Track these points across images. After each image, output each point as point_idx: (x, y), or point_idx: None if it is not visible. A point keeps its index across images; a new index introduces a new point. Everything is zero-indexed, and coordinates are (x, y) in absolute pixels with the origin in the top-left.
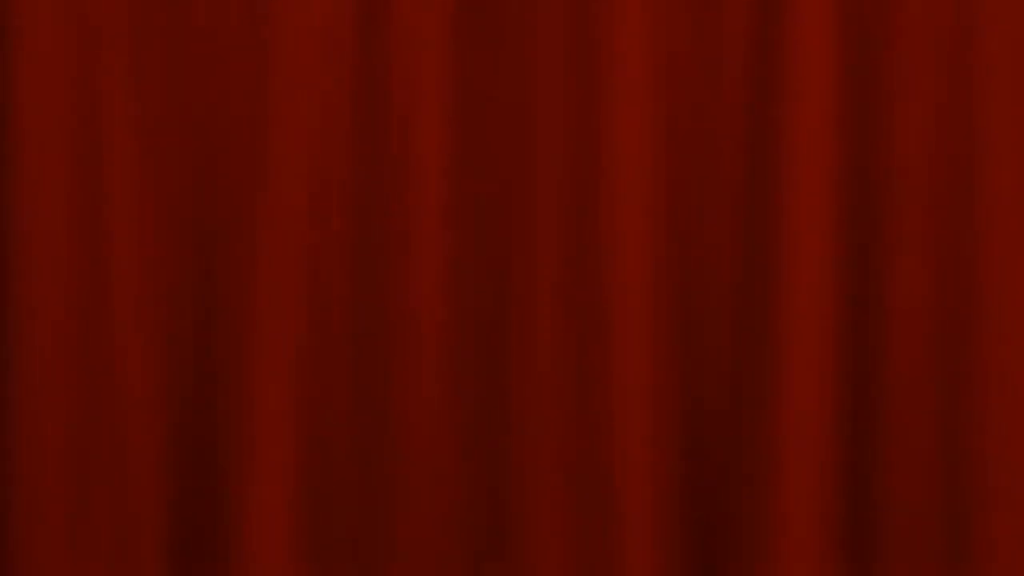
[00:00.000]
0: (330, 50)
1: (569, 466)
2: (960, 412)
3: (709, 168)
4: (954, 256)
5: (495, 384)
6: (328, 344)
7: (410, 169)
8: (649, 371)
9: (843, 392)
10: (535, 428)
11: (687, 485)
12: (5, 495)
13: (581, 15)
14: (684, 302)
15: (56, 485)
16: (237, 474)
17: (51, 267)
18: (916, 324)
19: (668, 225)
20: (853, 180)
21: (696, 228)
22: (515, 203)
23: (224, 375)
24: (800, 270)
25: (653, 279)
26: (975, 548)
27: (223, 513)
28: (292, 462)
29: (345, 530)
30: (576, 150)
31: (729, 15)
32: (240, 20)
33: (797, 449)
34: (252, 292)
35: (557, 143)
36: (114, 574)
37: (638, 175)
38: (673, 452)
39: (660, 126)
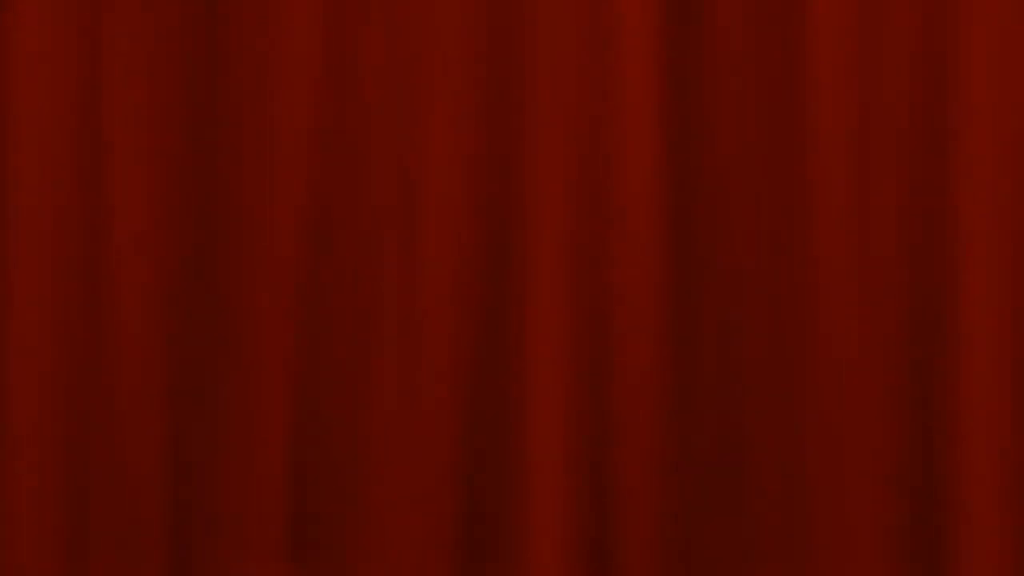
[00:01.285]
0: (332, 48)
1: (570, 467)
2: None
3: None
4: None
5: (495, 382)
6: (330, 343)
7: (413, 166)
8: (650, 367)
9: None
10: (535, 426)
11: (686, 481)
12: (5, 495)
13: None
14: (687, 301)
15: (56, 485)
16: (236, 474)
17: (50, 265)
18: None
19: (672, 223)
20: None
21: (703, 227)
22: (516, 202)
23: (224, 373)
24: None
25: (655, 282)
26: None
27: (223, 513)
28: (291, 461)
29: (346, 530)
30: (577, 148)
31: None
32: (241, 17)
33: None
34: (252, 290)
35: (558, 142)
36: (114, 574)
37: (642, 178)
38: (672, 448)
39: (664, 127)
